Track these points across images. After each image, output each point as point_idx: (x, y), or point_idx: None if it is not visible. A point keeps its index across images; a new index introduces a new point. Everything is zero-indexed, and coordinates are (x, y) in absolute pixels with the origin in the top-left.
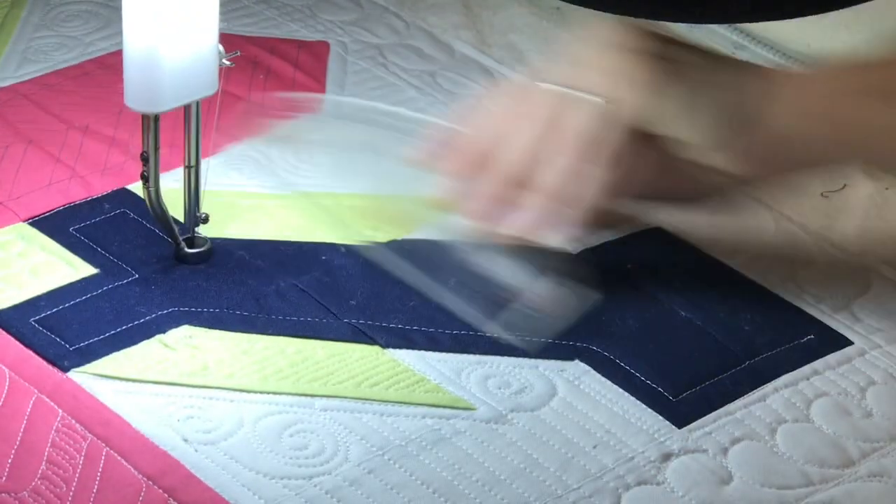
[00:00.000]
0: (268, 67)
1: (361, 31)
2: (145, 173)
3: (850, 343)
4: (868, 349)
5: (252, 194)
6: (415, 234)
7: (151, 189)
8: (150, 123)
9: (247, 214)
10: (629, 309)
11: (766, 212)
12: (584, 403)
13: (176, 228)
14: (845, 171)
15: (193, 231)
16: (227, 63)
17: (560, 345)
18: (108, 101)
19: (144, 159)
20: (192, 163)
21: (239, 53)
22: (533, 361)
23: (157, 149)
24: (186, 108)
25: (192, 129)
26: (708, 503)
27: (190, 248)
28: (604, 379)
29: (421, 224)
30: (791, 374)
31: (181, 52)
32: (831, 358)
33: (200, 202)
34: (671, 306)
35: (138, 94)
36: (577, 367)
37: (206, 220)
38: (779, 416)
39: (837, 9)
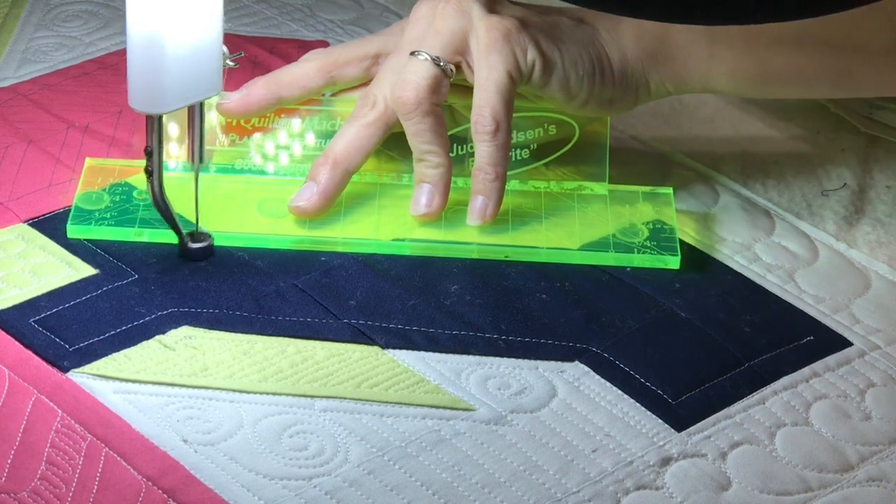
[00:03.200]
0: (268, 67)
1: (361, 30)
2: (149, 168)
3: (849, 344)
4: (867, 350)
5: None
6: (417, 233)
7: (155, 183)
8: (154, 123)
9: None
10: (629, 311)
11: (766, 210)
12: (583, 405)
13: (180, 223)
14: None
15: (197, 227)
16: (231, 64)
17: (560, 346)
18: (108, 101)
19: (148, 154)
20: (197, 161)
21: (242, 55)
22: (533, 363)
23: (160, 144)
24: (190, 107)
25: (195, 128)
26: None
27: (192, 242)
28: (603, 381)
29: None
30: (790, 376)
31: (184, 53)
32: (831, 359)
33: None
34: (671, 308)
35: (141, 95)
36: (577, 369)
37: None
38: (778, 419)
39: (838, 11)
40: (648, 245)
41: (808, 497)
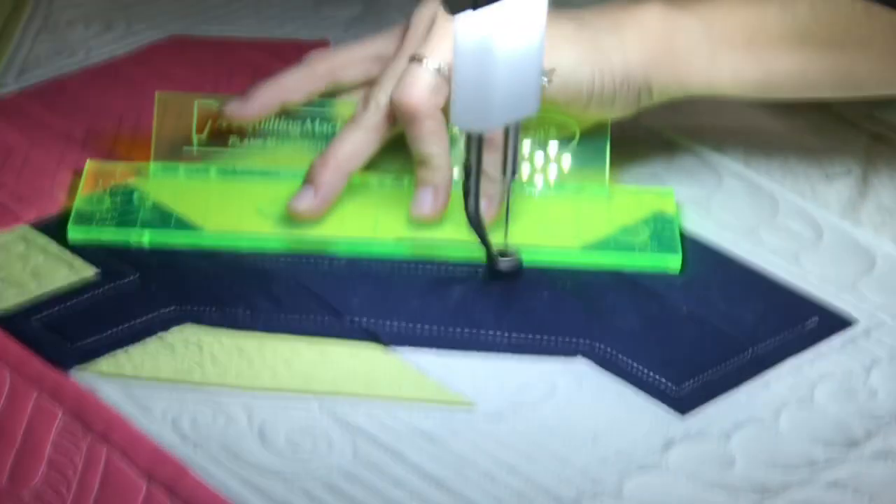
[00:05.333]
0: (269, 71)
1: (365, 27)
2: (467, 186)
3: (855, 322)
4: (873, 327)
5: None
6: (417, 233)
7: (472, 202)
8: (475, 139)
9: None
10: (630, 306)
11: (770, 193)
12: (585, 399)
13: (492, 242)
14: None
15: (506, 243)
16: (546, 82)
17: (562, 342)
18: (109, 105)
19: (467, 173)
20: (509, 178)
21: (555, 70)
22: (534, 359)
23: (479, 163)
24: (506, 126)
25: (511, 146)
26: (711, 487)
27: (501, 258)
28: (606, 375)
29: None
30: (795, 357)
31: (511, 64)
32: (835, 339)
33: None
34: (673, 302)
35: (466, 111)
36: (579, 365)
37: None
38: (782, 399)
39: None
40: (650, 245)
41: (814, 471)
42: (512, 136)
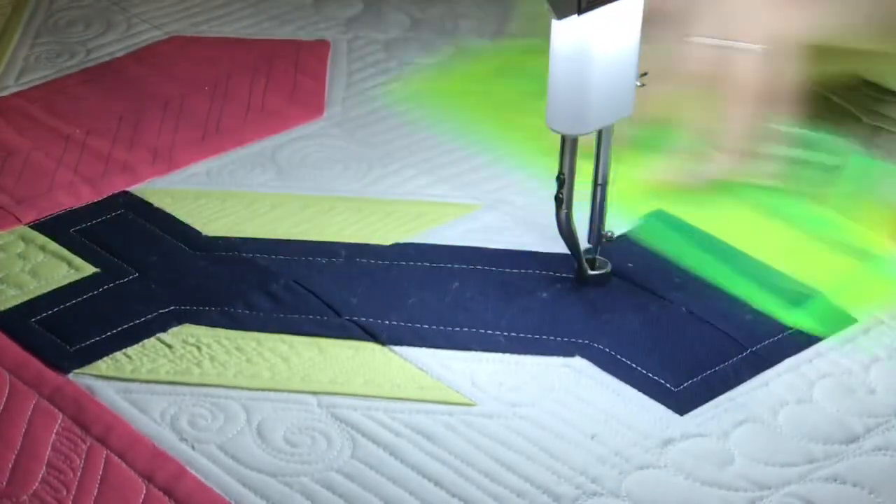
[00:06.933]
0: (268, 73)
1: (365, 27)
2: (560, 196)
3: (853, 321)
4: (872, 325)
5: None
6: (416, 237)
7: (564, 212)
8: (569, 146)
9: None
10: (630, 306)
11: (768, 191)
12: (584, 398)
13: (582, 250)
14: None
15: (598, 251)
16: (639, 84)
17: (560, 341)
18: (109, 107)
19: (560, 182)
20: (602, 182)
21: (648, 75)
22: (533, 358)
23: (573, 172)
24: (599, 130)
25: (603, 148)
26: (710, 484)
27: (591, 269)
28: (605, 374)
29: None
30: (794, 357)
31: (608, 66)
32: (834, 338)
33: (604, 222)
34: (672, 302)
35: (563, 117)
36: (578, 364)
37: (611, 238)
38: (781, 398)
39: None
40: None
41: (813, 468)
42: (605, 139)
